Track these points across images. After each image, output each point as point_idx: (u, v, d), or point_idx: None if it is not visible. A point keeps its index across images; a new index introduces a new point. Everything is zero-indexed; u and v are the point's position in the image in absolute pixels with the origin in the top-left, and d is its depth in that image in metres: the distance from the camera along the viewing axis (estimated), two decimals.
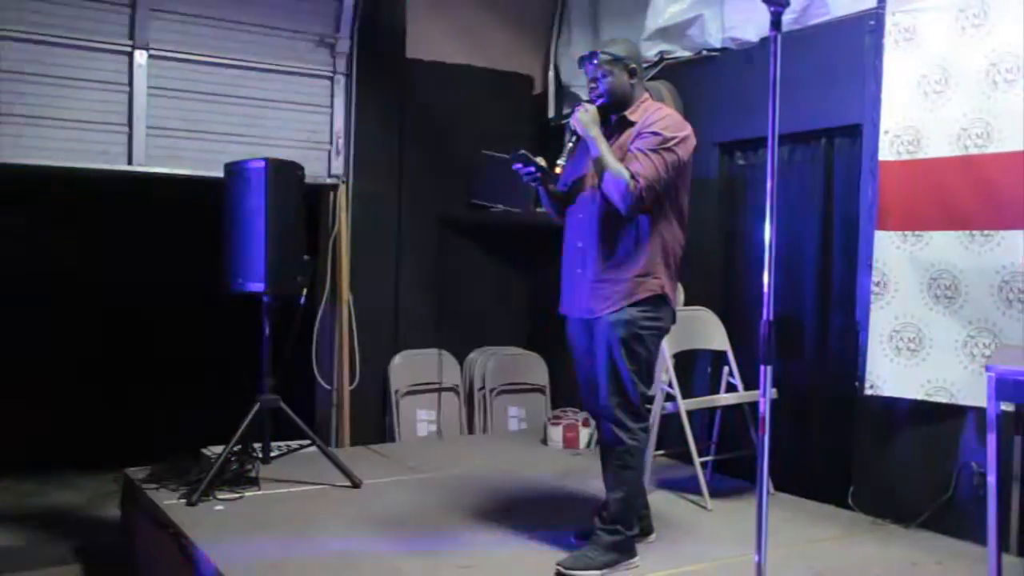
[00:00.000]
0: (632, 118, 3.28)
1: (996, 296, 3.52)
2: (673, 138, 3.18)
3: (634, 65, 3.32)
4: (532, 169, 3.26)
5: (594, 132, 3.21)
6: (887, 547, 3.59)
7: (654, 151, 3.15)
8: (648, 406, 3.30)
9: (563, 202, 3.43)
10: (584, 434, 5.16)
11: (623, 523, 3.25)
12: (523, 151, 3.26)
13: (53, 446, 5.96)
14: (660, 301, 3.25)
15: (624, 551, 3.25)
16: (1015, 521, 3.45)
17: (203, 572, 3.26)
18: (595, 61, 3.28)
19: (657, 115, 3.25)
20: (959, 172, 3.65)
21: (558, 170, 3.27)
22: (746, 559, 2.65)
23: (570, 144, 3.28)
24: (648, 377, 3.29)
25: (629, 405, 3.22)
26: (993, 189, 3.54)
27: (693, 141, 3.27)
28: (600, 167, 3.18)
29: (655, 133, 3.17)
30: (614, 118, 3.32)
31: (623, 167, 3.13)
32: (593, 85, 3.31)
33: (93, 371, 6.58)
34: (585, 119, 3.23)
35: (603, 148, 3.19)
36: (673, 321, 3.37)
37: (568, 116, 3.51)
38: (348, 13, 5.37)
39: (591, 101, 3.31)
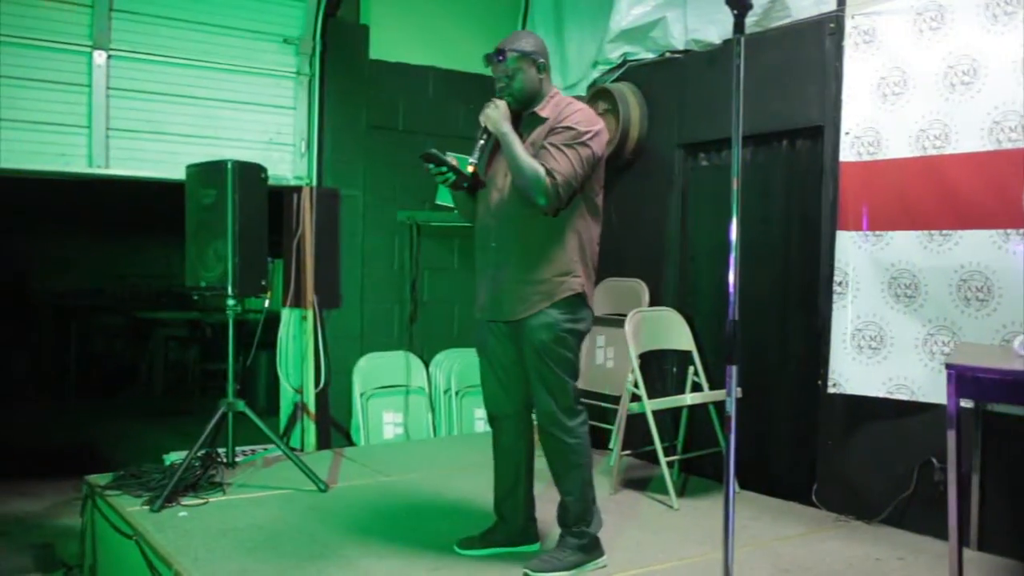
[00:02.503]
0: (543, 114, 3.21)
1: (955, 295, 3.58)
2: (587, 132, 3.12)
3: (542, 60, 3.24)
4: (444, 169, 3.16)
5: (505, 128, 3.13)
6: (850, 543, 3.63)
7: (568, 146, 3.09)
8: (581, 401, 3.27)
9: (474, 202, 3.36)
10: None
11: (585, 522, 3.25)
12: (432, 150, 3.16)
13: (13, 453, 5.86)
14: (579, 301, 3.19)
15: (590, 551, 3.26)
16: (975, 516, 3.52)
17: None
18: (503, 59, 3.20)
19: (569, 110, 3.18)
20: (918, 173, 3.70)
21: (471, 169, 3.20)
22: (713, 557, 2.67)
23: (481, 141, 3.21)
24: (576, 373, 3.23)
25: (565, 405, 3.18)
26: (951, 190, 3.60)
27: (606, 135, 3.25)
28: (514, 164, 3.09)
29: (568, 128, 3.11)
30: (526, 113, 3.25)
31: (538, 164, 3.07)
32: (503, 83, 3.22)
33: (54, 377, 6.49)
34: (495, 115, 3.15)
35: (515, 145, 3.11)
36: (592, 322, 3.30)
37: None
38: (312, 14, 5.34)
39: (500, 97, 3.21)
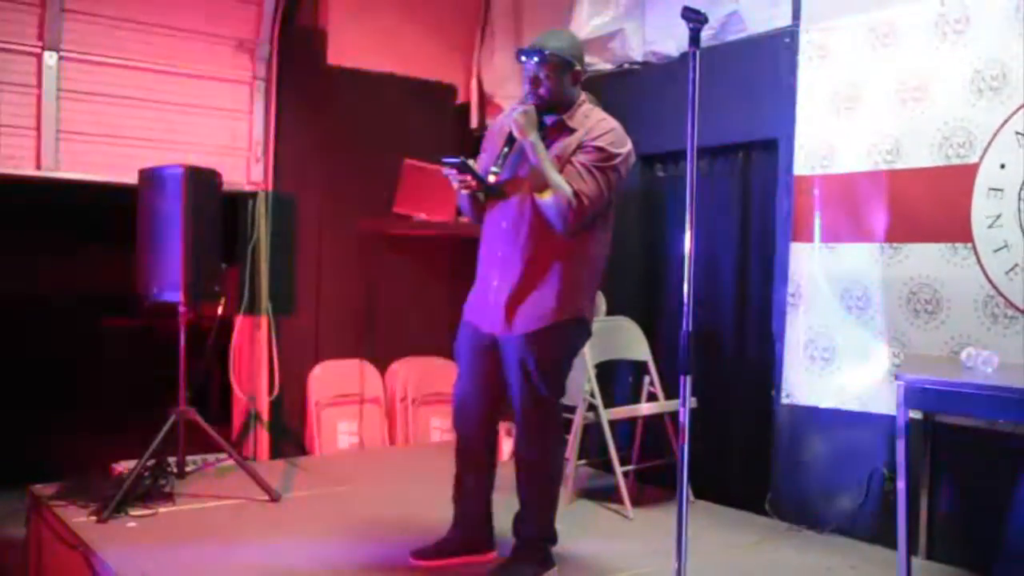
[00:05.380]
0: (572, 124, 3.07)
1: (905, 307, 3.64)
2: (617, 155, 3.01)
3: (579, 67, 3.09)
4: (468, 177, 3.02)
5: (533, 138, 2.98)
6: (803, 553, 3.67)
7: (599, 168, 2.97)
8: (564, 415, 3.27)
9: (485, 205, 3.23)
10: (508, 444, 5.14)
11: (548, 535, 3.26)
12: (464, 159, 3.01)
13: None
14: (580, 324, 3.15)
15: (546, 562, 3.26)
16: (924, 525, 3.57)
17: None
18: (541, 60, 3.01)
19: (602, 127, 3.05)
20: (870, 186, 3.77)
21: (492, 178, 3.04)
22: (667, 566, 2.68)
23: (506, 149, 3.05)
24: (563, 389, 3.20)
25: (551, 423, 3.17)
26: (901, 203, 3.67)
27: (633, 156, 3.12)
28: (541, 180, 2.95)
29: (600, 149, 2.99)
30: (550, 120, 3.10)
31: (565, 182, 2.94)
32: (534, 85, 3.05)
33: None
34: (523, 122, 2.98)
35: (543, 158, 2.97)
36: (588, 338, 3.27)
37: (486, 128, 3.39)
38: (268, 18, 5.28)
39: (529, 101, 3.06)
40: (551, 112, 3.09)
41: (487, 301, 3.17)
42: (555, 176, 2.95)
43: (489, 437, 3.36)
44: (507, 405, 3.24)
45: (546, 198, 2.96)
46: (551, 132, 3.10)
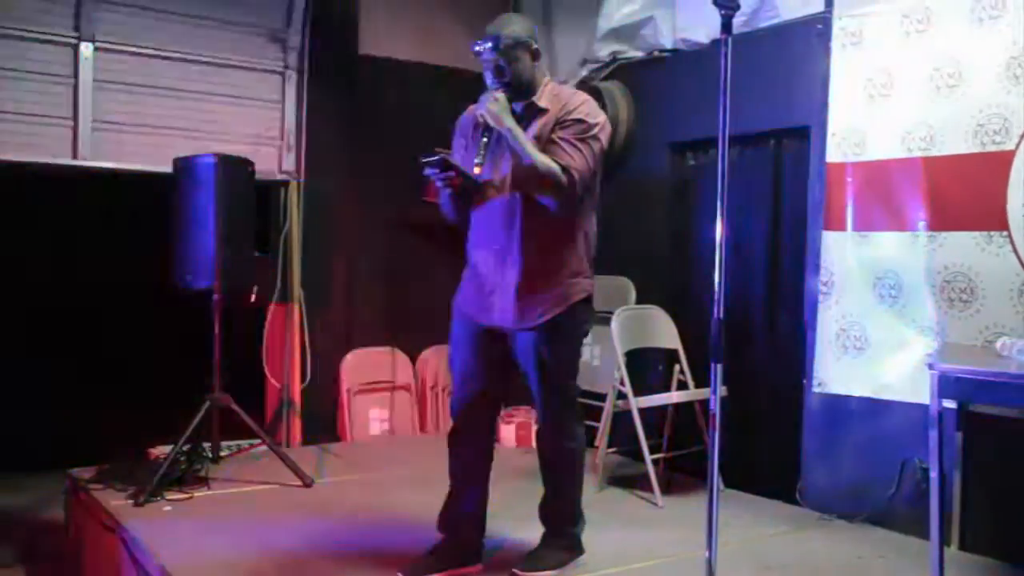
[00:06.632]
0: (542, 104, 3.03)
1: (939, 296, 3.60)
2: (596, 124, 2.98)
3: (536, 46, 3.05)
4: (452, 173, 2.93)
5: (509, 123, 2.92)
6: (833, 542, 3.65)
7: (581, 140, 2.94)
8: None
9: (470, 201, 3.14)
10: (506, 432, 5.17)
11: (574, 523, 3.26)
12: (442, 155, 2.92)
13: None
14: (588, 304, 3.11)
15: (575, 548, 3.27)
16: (956, 515, 3.54)
17: (150, 574, 3.22)
18: (496, 47, 2.97)
19: (575, 100, 3.02)
20: (903, 174, 3.73)
21: (477, 170, 2.97)
22: (697, 555, 2.68)
23: (485, 139, 2.98)
24: (578, 371, 3.16)
25: (570, 409, 3.15)
26: (936, 191, 3.63)
27: (610, 127, 3.11)
28: (526, 163, 2.90)
29: (579, 120, 2.96)
30: (519, 106, 3.05)
31: (551, 161, 2.90)
32: (498, 74, 3.00)
33: (38, 371, 6.44)
34: (497, 109, 2.93)
35: (523, 141, 2.92)
36: (594, 315, 3.21)
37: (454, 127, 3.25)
38: (300, 8, 5.32)
39: (496, 88, 3.00)
40: (520, 97, 3.05)
41: (489, 295, 3.09)
42: (539, 157, 2.91)
43: (487, 440, 3.28)
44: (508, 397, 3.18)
45: (534, 178, 2.92)
46: (524, 117, 3.06)
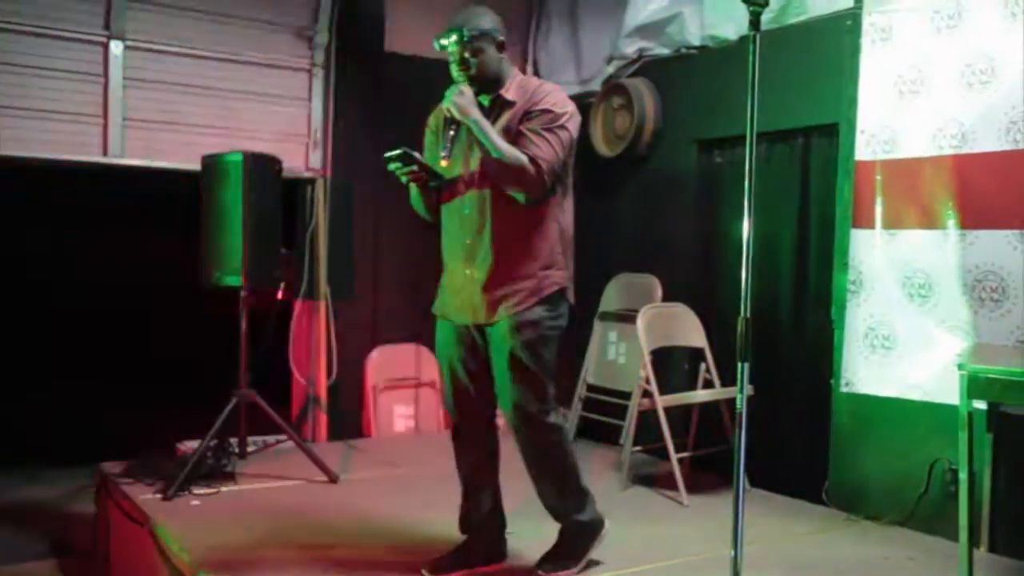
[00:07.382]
0: (509, 96, 3.01)
1: (969, 295, 3.56)
2: (564, 114, 2.95)
3: (502, 38, 3.03)
4: (415, 168, 2.92)
5: (475, 115, 2.90)
6: (860, 543, 3.62)
7: (548, 130, 2.91)
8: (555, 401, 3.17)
9: (439, 197, 3.11)
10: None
11: (578, 511, 3.17)
12: (404, 149, 2.89)
13: (28, 441, 5.90)
14: (561, 297, 3.04)
15: (594, 529, 3.19)
16: (986, 517, 3.50)
17: (178, 567, 3.25)
18: (461, 40, 2.95)
19: (542, 91, 2.99)
20: (934, 172, 3.69)
21: (443, 163, 2.94)
22: (722, 554, 2.67)
23: (452, 132, 2.93)
24: (554, 372, 3.07)
25: (544, 405, 3.04)
26: (967, 189, 3.58)
27: (579, 116, 3.05)
28: (493, 155, 2.87)
29: (546, 111, 2.93)
30: (487, 100, 3.03)
31: (518, 151, 2.88)
32: (463, 67, 2.97)
33: (68, 366, 6.53)
34: (462, 103, 2.90)
35: (490, 132, 2.89)
36: (571, 317, 3.13)
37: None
38: (326, 5, 5.34)
39: (465, 82, 2.97)
40: (487, 90, 3.03)
41: (462, 293, 3.07)
42: (506, 147, 2.89)
43: (491, 437, 3.24)
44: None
45: (501, 170, 2.89)
46: (492, 110, 3.03)
